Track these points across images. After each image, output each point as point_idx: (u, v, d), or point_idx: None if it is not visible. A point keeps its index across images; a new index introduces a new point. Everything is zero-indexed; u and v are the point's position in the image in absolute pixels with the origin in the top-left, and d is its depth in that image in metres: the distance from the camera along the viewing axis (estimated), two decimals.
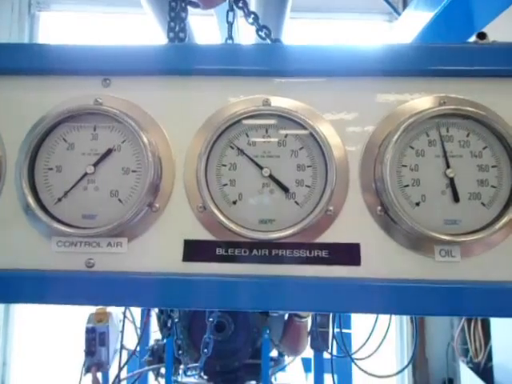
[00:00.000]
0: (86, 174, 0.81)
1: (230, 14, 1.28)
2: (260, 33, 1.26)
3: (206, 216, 0.81)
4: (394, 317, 3.47)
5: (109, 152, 0.82)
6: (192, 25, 2.09)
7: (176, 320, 1.64)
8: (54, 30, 4.40)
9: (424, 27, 1.48)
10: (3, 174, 0.84)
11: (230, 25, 1.29)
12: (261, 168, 0.79)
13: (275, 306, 0.79)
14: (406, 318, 4.64)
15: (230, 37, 1.30)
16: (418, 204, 0.77)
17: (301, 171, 0.80)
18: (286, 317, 3.01)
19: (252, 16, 1.26)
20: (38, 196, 0.81)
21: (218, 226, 0.80)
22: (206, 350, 1.62)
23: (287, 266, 0.79)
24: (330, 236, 0.79)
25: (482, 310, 0.75)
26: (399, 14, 2.31)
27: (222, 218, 0.78)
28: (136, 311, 3.43)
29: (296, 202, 0.79)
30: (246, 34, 2.33)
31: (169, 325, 1.60)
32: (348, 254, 0.79)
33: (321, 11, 4.39)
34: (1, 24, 4.11)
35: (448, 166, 0.77)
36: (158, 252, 0.82)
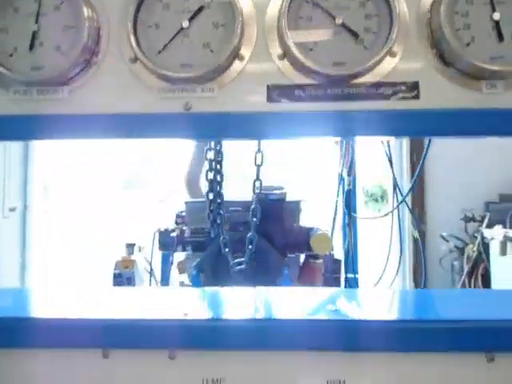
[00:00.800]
0: (181, 29, 0.94)
1: None
2: None
3: (286, 63, 0.95)
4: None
5: (201, 9, 0.95)
6: None
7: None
8: None
9: None
10: (107, 37, 0.97)
11: None
12: (334, 18, 0.93)
13: (346, 134, 0.94)
14: (408, 271, 4.83)
15: None
16: (468, 44, 0.92)
17: (368, 20, 0.93)
18: (302, 260, 3.20)
19: None
20: (141, 50, 0.94)
21: (296, 70, 0.94)
22: (250, 247, 1.78)
23: (357, 102, 0.94)
24: (393, 75, 0.94)
25: None
26: None
27: (301, 60, 0.91)
28: (157, 260, 3.58)
29: (365, 46, 0.93)
30: None
31: (218, 221, 1.75)
32: (409, 89, 0.93)
33: None
34: None
35: (494, 11, 0.91)
36: (245, 95, 0.96)
